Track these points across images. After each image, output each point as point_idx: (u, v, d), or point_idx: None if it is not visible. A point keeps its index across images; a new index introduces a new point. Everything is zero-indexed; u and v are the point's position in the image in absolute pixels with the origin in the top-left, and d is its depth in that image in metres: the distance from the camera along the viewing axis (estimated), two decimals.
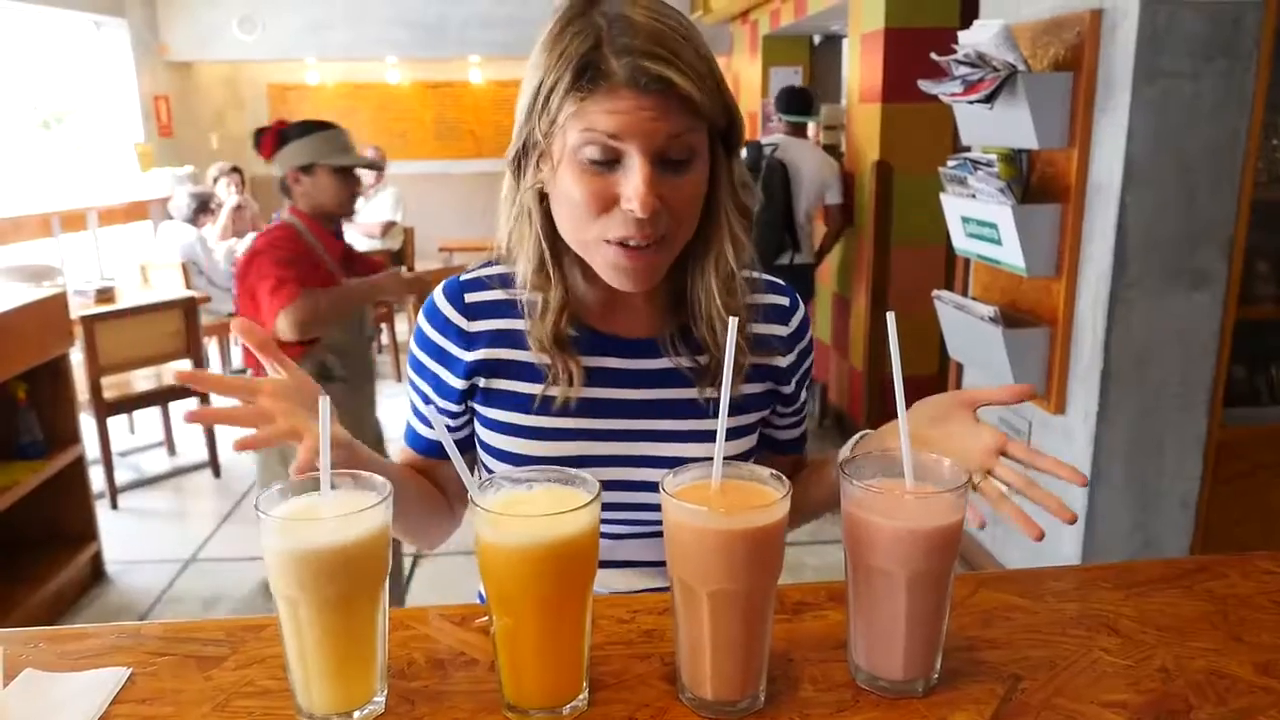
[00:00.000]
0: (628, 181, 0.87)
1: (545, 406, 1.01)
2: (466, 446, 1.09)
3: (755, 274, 1.06)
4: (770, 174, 4.26)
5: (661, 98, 0.86)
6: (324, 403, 0.77)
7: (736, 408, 1.04)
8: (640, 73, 0.85)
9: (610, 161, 0.88)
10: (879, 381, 4.34)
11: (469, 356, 1.02)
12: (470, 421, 1.07)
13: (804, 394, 1.15)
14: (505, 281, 1.03)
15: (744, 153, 4.64)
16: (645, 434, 1.02)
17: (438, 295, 1.05)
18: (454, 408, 1.05)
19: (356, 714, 0.73)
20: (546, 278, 0.99)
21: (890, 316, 0.81)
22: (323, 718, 0.73)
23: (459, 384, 1.03)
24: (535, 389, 1.01)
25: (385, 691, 0.76)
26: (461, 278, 1.05)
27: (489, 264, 1.06)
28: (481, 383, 1.03)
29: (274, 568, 0.71)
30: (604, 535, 1.05)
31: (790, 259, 4.44)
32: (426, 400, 1.06)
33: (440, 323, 1.04)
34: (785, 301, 1.09)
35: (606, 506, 1.03)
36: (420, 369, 1.06)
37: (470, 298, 1.03)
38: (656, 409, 1.03)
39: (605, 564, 1.06)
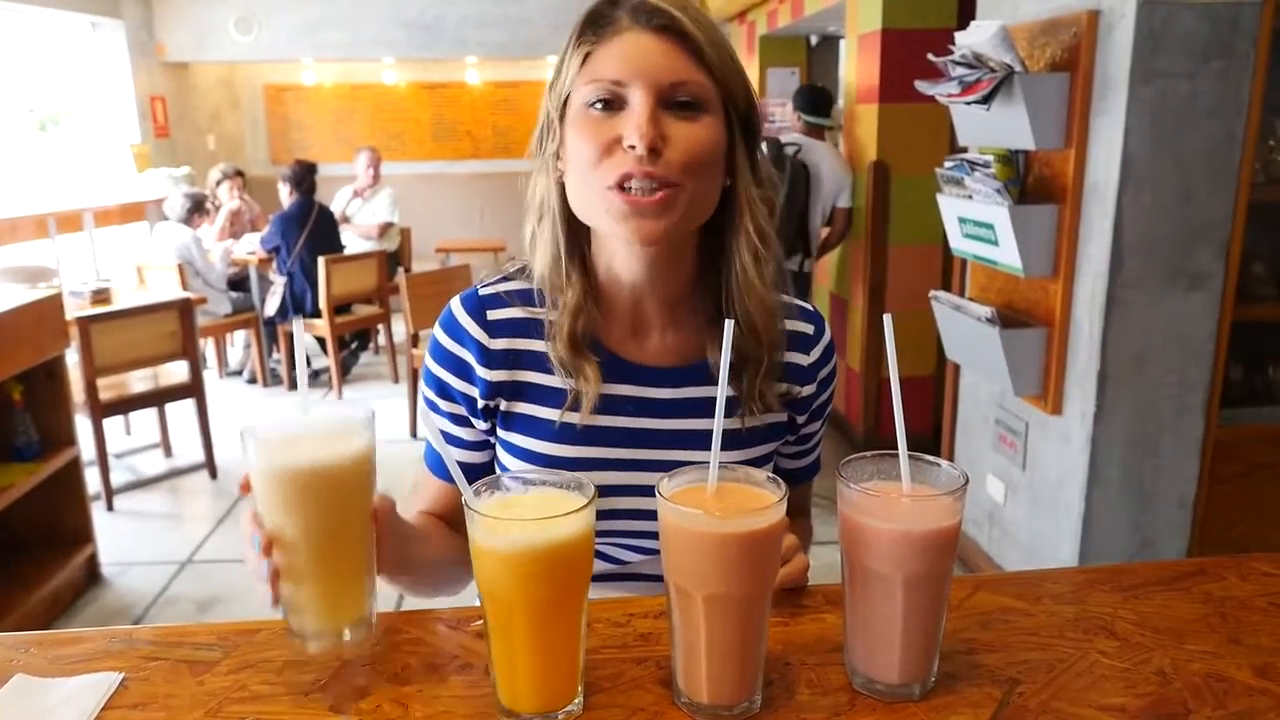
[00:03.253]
0: (629, 118, 0.87)
1: (566, 433, 0.99)
2: (489, 471, 1.05)
3: (782, 298, 1.03)
4: (795, 176, 4.17)
5: (667, 38, 0.87)
6: (297, 325, 0.78)
7: (752, 438, 1.01)
8: (645, 10, 0.87)
9: (615, 105, 0.88)
10: (876, 383, 4.34)
11: (490, 375, 0.99)
12: (489, 444, 1.05)
13: (818, 425, 1.10)
14: (525, 299, 1.00)
15: (762, 149, 4.59)
16: (667, 464, 0.99)
17: (456, 307, 1.01)
18: (478, 424, 1.02)
19: (346, 632, 0.77)
20: (563, 275, 0.97)
21: (887, 319, 0.81)
22: (315, 633, 0.76)
23: (478, 399, 1.00)
24: (555, 414, 0.98)
25: (375, 614, 0.79)
26: (480, 291, 1.02)
27: (505, 278, 1.03)
28: (503, 405, 1.00)
29: (260, 493, 0.73)
30: (618, 560, 1.03)
31: (800, 264, 4.37)
32: (456, 420, 1.03)
33: (460, 335, 1.00)
34: (809, 329, 1.05)
35: (623, 534, 1.01)
36: (441, 386, 1.02)
37: (492, 314, 1.00)
38: (679, 440, 1.00)
39: (611, 577, 1.05)
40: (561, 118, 0.92)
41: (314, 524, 0.72)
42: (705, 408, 0.99)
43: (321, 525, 0.72)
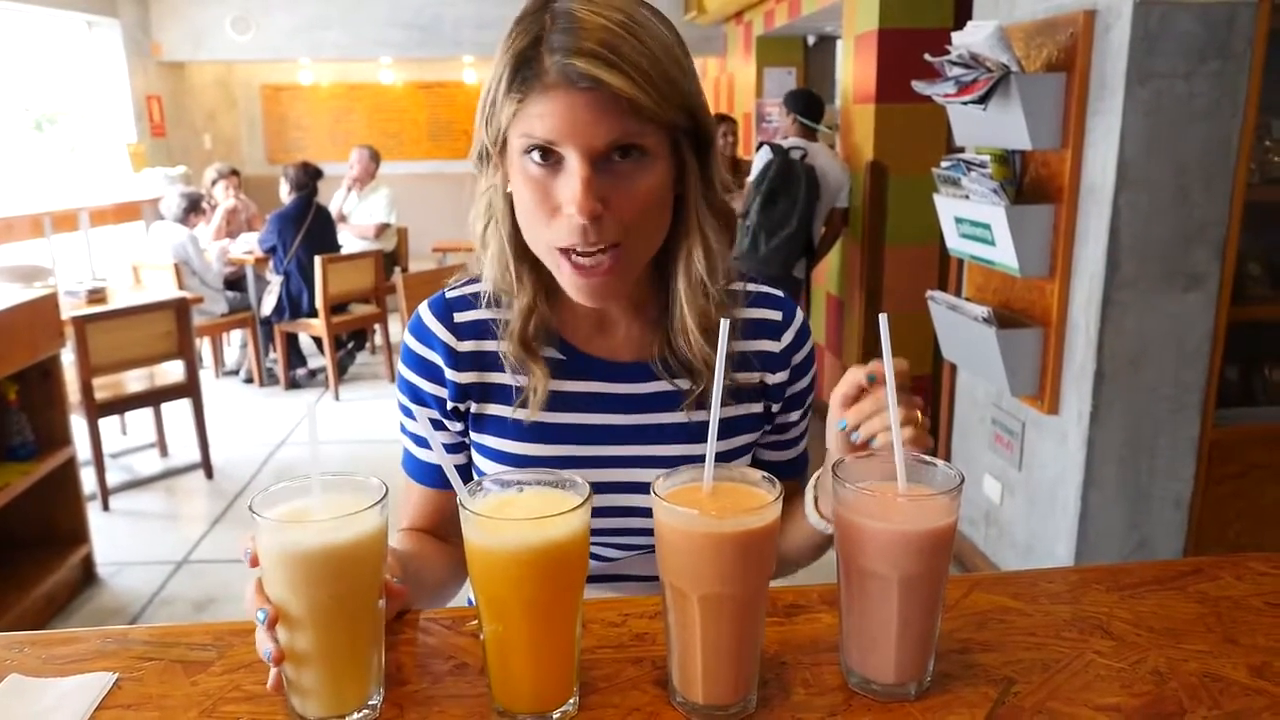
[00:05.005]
0: (566, 185, 0.84)
1: (535, 432, 0.99)
2: (466, 474, 1.06)
3: (747, 286, 1.02)
4: (808, 180, 4.14)
5: (597, 97, 0.82)
6: (311, 403, 0.76)
7: (725, 429, 1.00)
8: (570, 72, 0.81)
9: (552, 164, 0.85)
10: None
11: (458, 378, 0.99)
12: (466, 446, 1.05)
13: (797, 415, 1.08)
14: (491, 300, 1.00)
15: (767, 155, 4.46)
16: (636, 459, 1.00)
17: (424, 312, 1.01)
18: (452, 425, 1.02)
19: (351, 718, 0.73)
20: (513, 280, 0.96)
21: (883, 318, 0.81)
22: (318, 717, 0.73)
23: (447, 400, 1.00)
24: (523, 413, 0.98)
25: (381, 695, 0.75)
26: (447, 294, 1.02)
27: (471, 280, 1.02)
28: (473, 408, 1.01)
29: (268, 570, 0.70)
30: (600, 558, 1.03)
31: (806, 269, 4.35)
32: (431, 424, 1.03)
33: (428, 338, 1.00)
34: (777, 316, 1.04)
35: (601, 531, 1.00)
36: (414, 391, 1.02)
37: (459, 317, 1.00)
38: (646, 434, 1.00)
39: (601, 578, 1.05)
40: (501, 151, 0.90)
41: (322, 605, 0.69)
42: (667, 401, 0.99)
43: (331, 606, 0.70)
